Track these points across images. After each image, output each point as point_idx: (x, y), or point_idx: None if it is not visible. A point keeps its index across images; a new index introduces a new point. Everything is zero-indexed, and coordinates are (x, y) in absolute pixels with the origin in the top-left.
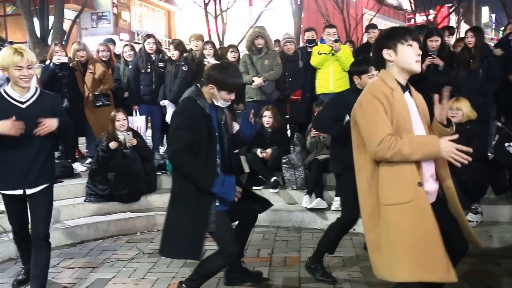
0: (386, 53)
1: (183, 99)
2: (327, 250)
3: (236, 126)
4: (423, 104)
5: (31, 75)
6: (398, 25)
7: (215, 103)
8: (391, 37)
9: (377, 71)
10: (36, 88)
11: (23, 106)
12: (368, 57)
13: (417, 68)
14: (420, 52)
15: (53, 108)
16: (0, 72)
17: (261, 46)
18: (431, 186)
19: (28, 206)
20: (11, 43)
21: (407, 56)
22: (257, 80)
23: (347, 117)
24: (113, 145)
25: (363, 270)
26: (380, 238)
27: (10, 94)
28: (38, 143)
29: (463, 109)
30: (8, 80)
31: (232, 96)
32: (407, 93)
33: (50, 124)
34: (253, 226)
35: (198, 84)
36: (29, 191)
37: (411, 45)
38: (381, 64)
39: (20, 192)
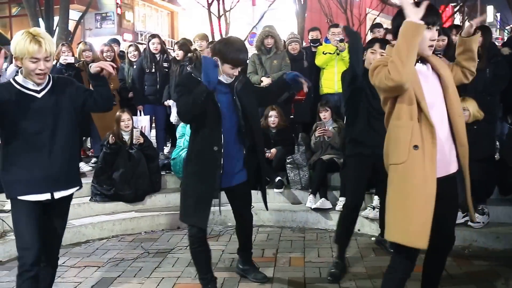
0: None
1: (183, 75)
2: (340, 243)
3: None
4: (449, 76)
5: (48, 69)
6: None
7: (218, 77)
8: None
9: (382, 50)
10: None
11: (39, 95)
12: (376, 38)
13: (427, 52)
14: (435, 37)
15: (72, 93)
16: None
17: (271, 46)
18: (443, 156)
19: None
20: None
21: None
22: (266, 81)
23: None
24: (111, 140)
25: (368, 270)
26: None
27: (22, 83)
28: (63, 137)
29: (470, 109)
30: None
31: (236, 72)
32: (420, 64)
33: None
34: (251, 227)
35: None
36: (58, 195)
37: (429, 28)
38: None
39: (47, 196)
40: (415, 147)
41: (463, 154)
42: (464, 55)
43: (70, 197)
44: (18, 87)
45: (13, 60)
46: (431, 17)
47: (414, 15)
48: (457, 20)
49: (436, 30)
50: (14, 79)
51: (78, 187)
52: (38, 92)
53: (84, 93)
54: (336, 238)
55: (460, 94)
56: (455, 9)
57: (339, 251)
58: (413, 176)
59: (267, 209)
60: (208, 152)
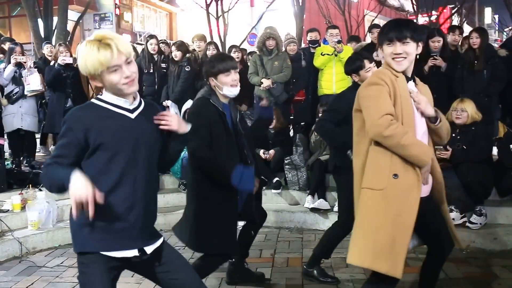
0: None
1: (197, 99)
2: (324, 256)
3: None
4: (429, 95)
5: (135, 74)
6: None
7: (223, 94)
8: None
9: (372, 63)
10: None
11: (133, 116)
12: (359, 53)
13: (395, 67)
14: (397, 51)
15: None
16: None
17: (272, 48)
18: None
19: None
20: (16, 43)
21: (385, 55)
22: (266, 82)
23: (350, 153)
24: None
25: (366, 271)
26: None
27: (112, 102)
28: (147, 175)
29: (468, 111)
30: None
31: (233, 77)
32: (411, 82)
33: (175, 121)
34: (260, 227)
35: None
36: (149, 249)
37: (388, 44)
38: None
39: (135, 253)
40: (395, 175)
41: (439, 189)
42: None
43: (165, 244)
44: (106, 105)
45: (11, 60)
46: (391, 33)
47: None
48: (455, 21)
49: (404, 44)
50: (98, 98)
51: (163, 237)
52: (131, 111)
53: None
54: (321, 252)
55: (458, 95)
56: (453, 11)
57: (315, 260)
58: (391, 203)
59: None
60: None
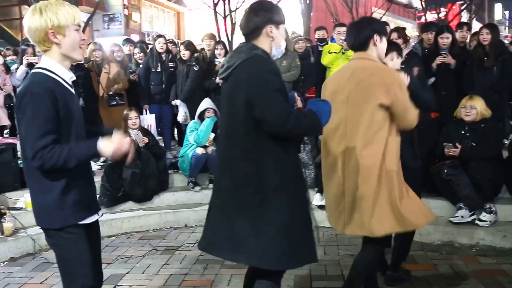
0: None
1: (255, 57)
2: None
3: None
4: None
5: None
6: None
7: (276, 50)
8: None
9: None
10: None
11: (72, 90)
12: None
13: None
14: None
15: None
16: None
17: None
18: None
19: None
20: (27, 45)
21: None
22: None
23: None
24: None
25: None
26: (378, 197)
27: (58, 73)
28: None
29: (477, 108)
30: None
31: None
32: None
33: None
34: None
35: (252, 42)
36: (100, 213)
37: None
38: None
39: (97, 216)
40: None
41: None
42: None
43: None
44: (56, 77)
45: (23, 60)
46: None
47: None
48: (464, 18)
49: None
50: (45, 67)
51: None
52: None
53: None
54: (399, 256)
55: (468, 92)
56: (462, 7)
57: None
58: (403, 182)
59: None
60: (300, 168)
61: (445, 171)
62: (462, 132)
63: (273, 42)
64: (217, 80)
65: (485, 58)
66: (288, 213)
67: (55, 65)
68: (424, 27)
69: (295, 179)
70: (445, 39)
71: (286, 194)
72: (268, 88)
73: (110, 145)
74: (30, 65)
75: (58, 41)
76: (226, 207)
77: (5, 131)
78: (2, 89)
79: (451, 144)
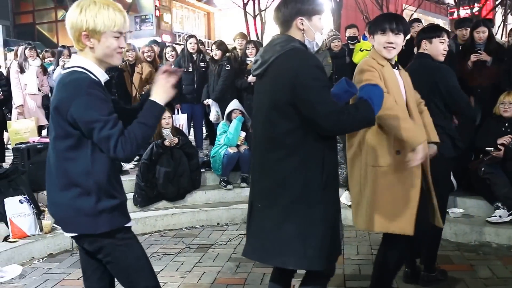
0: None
1: (294, 50)
2: (435, 259)
3: None
4: (409, 82)
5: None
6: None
7: (309, 43)
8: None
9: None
10: None
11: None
12: (438, 25)
13: (385, 54)
14: (390, 40)
15: None
16: (53, 66)
17: None
18: None
19: None
20: (64, 47)
21: (377, 43)
22: None
23: None
24: (168, 143)
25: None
26: (362, 193)
27: (94, 72)
28: None
29: None
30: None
31: (323, 24)
32: (396, 70)
33: None
34: None
35: (287, 34)
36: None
37: (382, 33)
38: None
39: (132, 222)
40: (397, 152)
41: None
42: None
43: None
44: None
45: (60, 62)
46: (385, 24)
47: None
48: (499, 13)
49: (396, 34)
50: (85, 69)
51: None
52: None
53: None
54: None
55: (505, 89)
56: (497, 2)
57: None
58: (398, 177)
59: None
60: (337, 165)
61: (483, 169)
62: (503, 128)
63: (305, 34)
64: (249, 79)
65: None
66: (333, 209)
67: (91, 65)
68: (459, 23)
69: (337, 176)
70: (481, 34)
71: (332, 191)
72: (316, 86)
73: (159, 91)
74: None
75: (91, 44)
76: (269, 209)
77: (43, 131)
78: (40, 90)
79: (493, 148)
